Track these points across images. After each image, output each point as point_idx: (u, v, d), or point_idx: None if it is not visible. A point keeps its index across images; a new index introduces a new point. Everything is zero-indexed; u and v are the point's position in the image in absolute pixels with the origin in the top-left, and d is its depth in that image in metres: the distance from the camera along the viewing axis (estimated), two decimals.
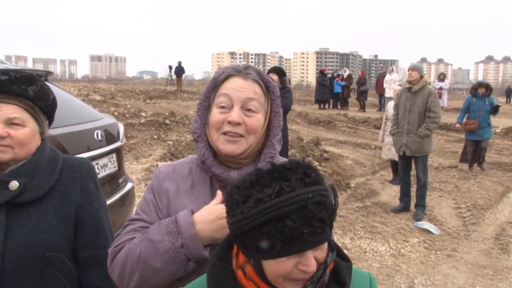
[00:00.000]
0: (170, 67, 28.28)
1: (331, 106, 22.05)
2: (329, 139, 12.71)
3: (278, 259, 0.92)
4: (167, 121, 13.41)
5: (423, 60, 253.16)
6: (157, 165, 7.92)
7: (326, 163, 8.99)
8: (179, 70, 27.65)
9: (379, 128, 13.60)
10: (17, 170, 1.49)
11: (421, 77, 5.98)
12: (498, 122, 17.47)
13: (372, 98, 29.32)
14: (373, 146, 11.66)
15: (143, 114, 14.89)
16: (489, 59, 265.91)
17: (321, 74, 22.01)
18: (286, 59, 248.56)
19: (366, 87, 21.23)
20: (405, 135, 6.03)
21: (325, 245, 0.98)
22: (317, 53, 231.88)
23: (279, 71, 6.41)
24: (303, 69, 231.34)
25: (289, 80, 7.50)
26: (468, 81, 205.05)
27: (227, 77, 1.35)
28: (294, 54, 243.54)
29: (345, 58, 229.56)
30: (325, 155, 9.68)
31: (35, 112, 1.54)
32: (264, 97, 1.36)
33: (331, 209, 0.94)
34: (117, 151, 3.54)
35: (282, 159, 1.44)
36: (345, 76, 21.69)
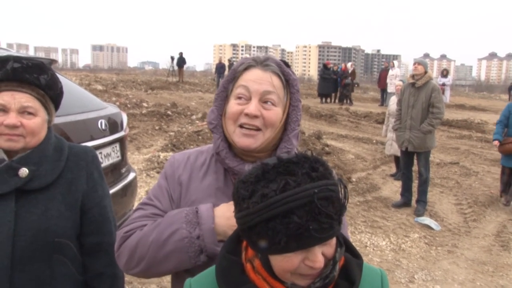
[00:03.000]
0: (172, 58, 28.23)
1: (336, 100, 21.89)
2: (331, 133, 12.69)
3: (285, 254, 0.91)
4: (169, 112, 13.40)
5: (426, 55, 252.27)
6: (158, 156, 7.92)
7: (327, 157, 8.98)
8: (181, 61, 27.63)
9: (380, 122, 13.59)
10: (26, 157, 1.50)
11: (425, 72, 5.96)
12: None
13: (374, 93, 29.27)
14: (374, 141, 11.64)
15: (144, 104, 14.86)
16: (492, 55, 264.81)
17: (324, 68, 21.94)
18: (288, 52, 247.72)
19: (350, 80, 21.00)
20: (408, 130, 6.01)
21: (333, 240, 0.96)
22: (320, 46, 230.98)
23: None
24: (305, 62, 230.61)
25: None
26: (470, 78, 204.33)
27: (246, 68, 1.33)
28: (296, 47, 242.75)
29: (347, 52, 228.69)
30: (327, 149, 9.68)
31: (46, 101, 1.55)
32: (283, 90, 1.33)
33: (339, 204, 0.92)
34: (121, 141, 3.53)
35: None
36: (349, 71, 21.55)
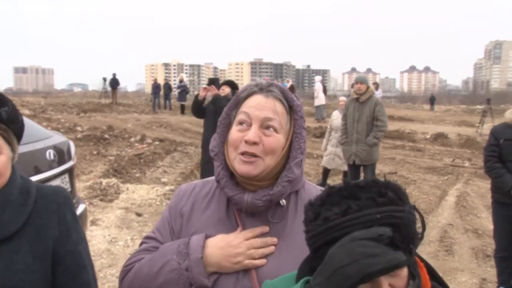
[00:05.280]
0: (105, 79, 27.44)
1: None
2: None
3: None
4: (106, 136, 12.93)
5: (353, 69, 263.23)
6: (100, 182, 7.56)
7: None
8: (114, 82, 26.89)
9: (318, 137, 13.93)
10: None
11: (367, 87, 6.19)
12: (427, 128, 18.53)
13: (307, 107, 30.01)
14: (315, 155, 11.88)
15: (78, 128, 14.25)
16: (412, 68, 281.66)
17: None
18: (221, 70, 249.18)
19: None
20: (355, 144, 6.19)
21: (403, 272, 0.90)
22: (252, 63, 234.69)
23: (231, 84, 6.48)
24: (237, 79, 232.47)
25: None
26: (395, 89, 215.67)
27: (249, 95, 1.30)
28: (229, 65, 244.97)
29: (279, 68, 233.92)
30: None
31: (9, 136, 1.35)
32: (286, 117, 1.29)
33: (408, 232, 0.88)
34: (70, 171, 3.33)
35: (312, 186, 1.39)
36: (288, 87, 22.01)
